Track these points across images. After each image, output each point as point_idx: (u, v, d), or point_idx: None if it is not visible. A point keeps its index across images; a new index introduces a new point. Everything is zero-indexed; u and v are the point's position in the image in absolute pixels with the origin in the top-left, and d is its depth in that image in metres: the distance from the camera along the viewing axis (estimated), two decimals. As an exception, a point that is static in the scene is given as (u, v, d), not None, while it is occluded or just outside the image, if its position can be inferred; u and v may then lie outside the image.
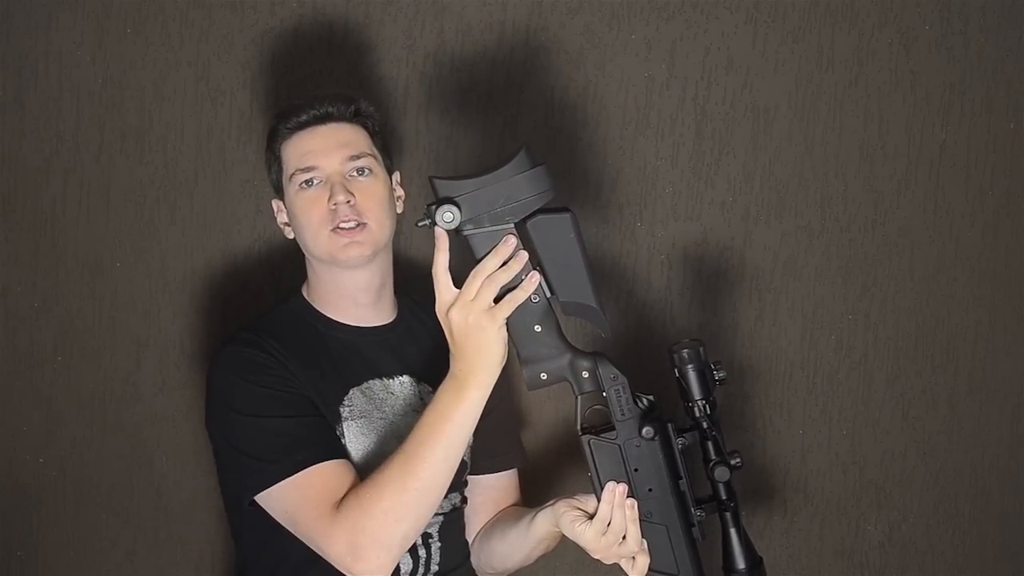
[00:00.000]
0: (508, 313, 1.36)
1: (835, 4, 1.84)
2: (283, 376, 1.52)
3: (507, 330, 1.39)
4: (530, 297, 1.38)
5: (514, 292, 1.37)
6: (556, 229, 1.36)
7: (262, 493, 1.48)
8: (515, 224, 1.36)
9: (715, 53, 1.84)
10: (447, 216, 1.34)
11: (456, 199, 1.35)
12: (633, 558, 1.45)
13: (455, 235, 1.36)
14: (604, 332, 1.43)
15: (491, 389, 1.40)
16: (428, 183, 1.37)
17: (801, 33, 1.84)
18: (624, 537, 1.44)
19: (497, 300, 1.37)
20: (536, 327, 1.39)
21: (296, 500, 1.46)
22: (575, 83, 1.83)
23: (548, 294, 1.38)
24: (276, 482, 1.46)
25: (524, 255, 1.37)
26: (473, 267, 1.37)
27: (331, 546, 1.42)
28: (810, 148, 1.87)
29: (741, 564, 1.46)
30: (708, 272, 1.86)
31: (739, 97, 1.85)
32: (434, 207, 1.35)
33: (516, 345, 1.40)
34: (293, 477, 1.46)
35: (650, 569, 1.46)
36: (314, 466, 1.46)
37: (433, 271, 1.38)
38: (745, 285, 1.87)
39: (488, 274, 1.36)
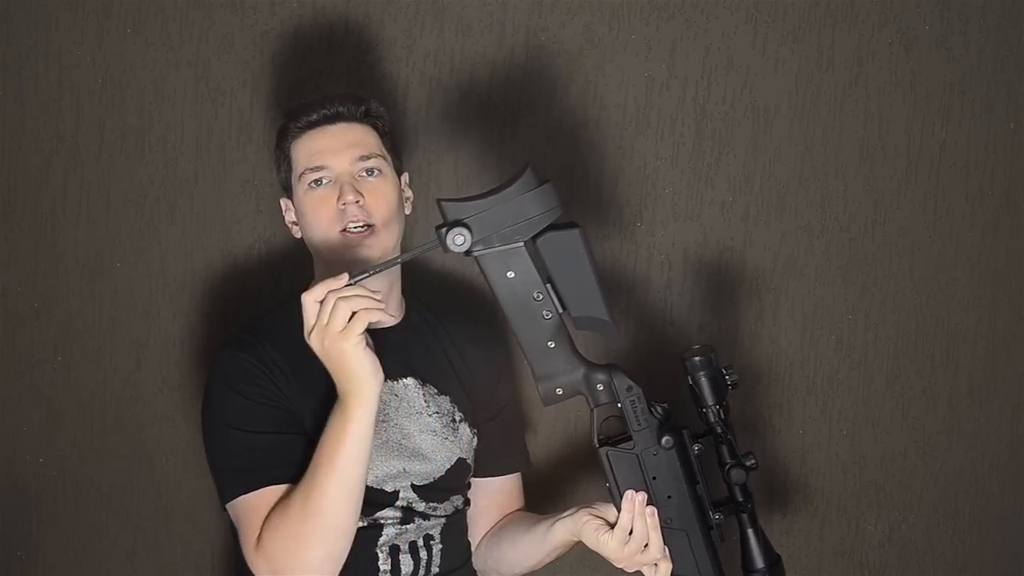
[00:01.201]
0: (360, 331, 1.37)
1: (835, 4, 1.84)
2: (269, 388, 1.52)
3: (521, 347, 1.40)
4: (542, 314, 1.38)
5: (367, 311, 1.37)
6: (566, 245, 1.37)
7: (227, 504, 1.50)
8: (524, 242, 1.36)
9: (715, 53, 1.84)
10: (458, 239, 1.34)
11: (465, 221, 1.34)
12: (656, 564, 1.46)
13: (465, 256, 1.36)
14: (616, 344, 1.43)
15: (375, 404, 1.41)
16: (436, 204, 1.37)
17: (801, 33, 1.84)
18: (646, 545, 1.44)
19: None
20: (549, 343, 1.40)
21: (240, 519, 1.48)
22: (575, 83, 1.83)
23: (560, 310, 1.39)
24: (236, 496, 1.48)
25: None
26: (486, 287, 1.38)
27: (257, 573, 1.45)
28: (810, 148, 1.87)
29: (760, 563, 1.47)
30: (708, 272, 1.86)
31: (739, 97, 1.85)
32: (444, 230, 1.34)
33: (530, 362, 1.41)
34: (248, 495, 1.47)
35: (673, 574, 1.46)
36: (269, 487, 1.47)
37: (302, 295, 1.39)
38: (745, 285, 1.87)
39: (338, 297, 1.36)
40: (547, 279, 1.38)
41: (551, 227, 1.36)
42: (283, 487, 1.46)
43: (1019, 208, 1.90)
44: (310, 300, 1.38)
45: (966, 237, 1.90)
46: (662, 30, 1.83)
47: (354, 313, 1.37)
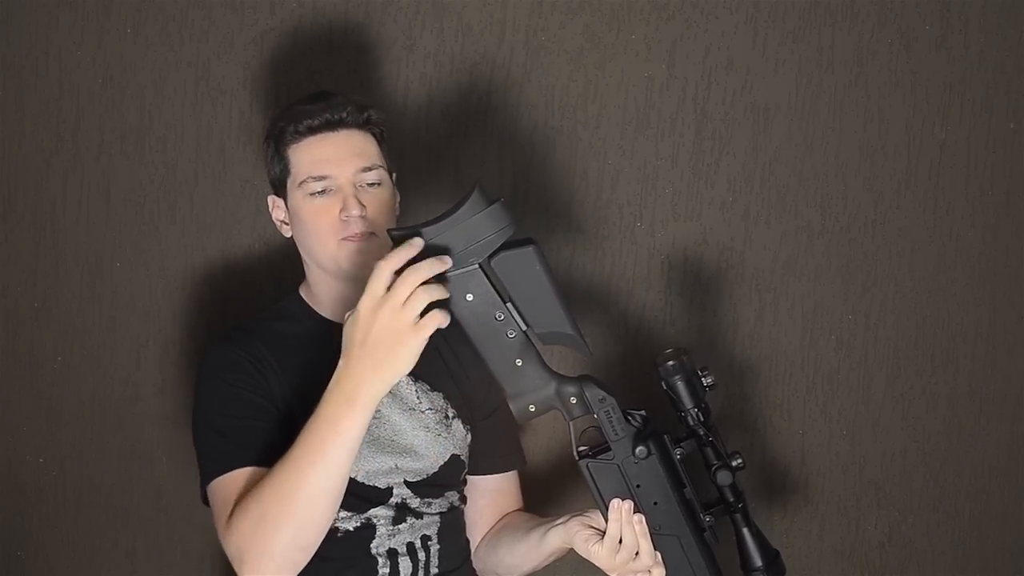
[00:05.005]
0: (430, 332, 1.30)
1: (835, 4, 1.84)
2: (254, 376, 1.52)
3: (489, 367, 1.37)
4: (506, 333, 1.36)
5: (442, 313, 1.29)
6: (521, 263, 1.33)
7: (206, 488, 1.50)
8: (480, 264, 1.33)
9: (715, 53, 1.84)
10: None
11: None
12: (649, 572, 1.44)
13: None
14: (585, 355, 1.40)
15: (381, 398, 1.34)
16: (393, 228, 1.34)
17: (801, 33, 1.84)
18: (637, 553, 1.43)
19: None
20: (517, 361, 1.37)
21: (214, 501, 1.47)
22: (575, 83, 1.83)
23: (524, 327, 1.36)
24: (211, 479, 1.48)
25: (446, 260, 1.31)
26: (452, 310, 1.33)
27: (227, 551, 1.42)
28: (810, 148, 1.87)
29: (758, 562, 1.45)
30: (708, 272, 1.86)
31: (739, 97, 1.85)
32: None
33: (500, 381, 1.39)
34: (222, 477, 1.46)
35: None
36: (242, 469, 1.45)
37: (378, 262, 1.30)
38: (745, 285, 1.87)
39: (420, 282, 1.29)
40: (507, 298, 1.35)
41: (505, 246, 1.33)
42: (255, 469, 1.44)
43: (1019, 208, 1.90)
44: (387, 269, 1.29)
45: (966, 237, 1.90)
46: (662, 30, 1.83)
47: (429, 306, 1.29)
